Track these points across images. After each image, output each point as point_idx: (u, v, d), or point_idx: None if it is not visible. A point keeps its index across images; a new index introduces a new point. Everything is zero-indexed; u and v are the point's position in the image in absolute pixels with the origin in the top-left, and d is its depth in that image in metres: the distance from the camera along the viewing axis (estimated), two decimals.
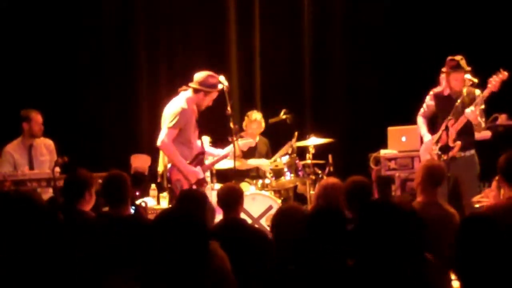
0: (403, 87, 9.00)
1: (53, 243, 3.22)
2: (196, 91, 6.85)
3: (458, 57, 6.92)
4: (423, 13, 9.09)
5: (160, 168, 6.96)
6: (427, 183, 4.92)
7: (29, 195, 3.46)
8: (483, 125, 6.95)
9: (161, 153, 6.96)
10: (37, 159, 7.39)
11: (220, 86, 6.90)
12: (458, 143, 6.78)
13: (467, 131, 6.90)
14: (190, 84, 6.89)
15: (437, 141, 6.94)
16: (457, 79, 6.92)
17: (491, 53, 8.34)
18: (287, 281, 3.49)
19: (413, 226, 3.36)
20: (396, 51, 9.12)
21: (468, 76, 6.90)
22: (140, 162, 7.16)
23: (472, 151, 6.95)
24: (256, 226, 6.74)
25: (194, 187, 6.70)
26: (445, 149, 6.78)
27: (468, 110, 6.79)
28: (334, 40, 9.39)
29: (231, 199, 4.91)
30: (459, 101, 6.84)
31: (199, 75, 6.90)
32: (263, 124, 8.31)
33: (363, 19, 9.25)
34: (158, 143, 6.75)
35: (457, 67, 6.89)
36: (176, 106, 6.79)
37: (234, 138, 6.98)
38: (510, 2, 8.81)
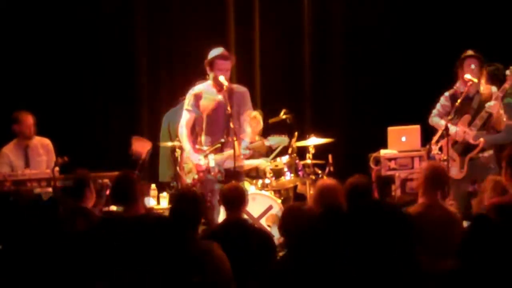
0: (403, 87, 9.01)
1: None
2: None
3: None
4: (423, 13, 9.09)
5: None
6: (429, 185, 4.89)
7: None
8: (503, 118, 6.65)
9: None
10: (34, 159, 7.33)
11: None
12: (482, 140, 6.70)
13: (485, 130, 6.78)
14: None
15: (437, 141, 6.91)
16: (469, 66, 6.77)
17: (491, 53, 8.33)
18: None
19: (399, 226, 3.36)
20: (396, 51, 9.11)
21: (468, 76, 6.85)
22: (139, 145, 7.18)
23: (491, 152, 6.76)
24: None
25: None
26: (465, 150, 6.77)
27: (491, 103, 6.60)
28: (334, 40, 9.39)
29: (236, 199, 4.89)
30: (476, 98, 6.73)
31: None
32: (261, 123, 8.30)
33: (363, 19, 9.25)
34: None
35: (468, 55, 6.80)
36: None
37: (234, 138, 6.97)
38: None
